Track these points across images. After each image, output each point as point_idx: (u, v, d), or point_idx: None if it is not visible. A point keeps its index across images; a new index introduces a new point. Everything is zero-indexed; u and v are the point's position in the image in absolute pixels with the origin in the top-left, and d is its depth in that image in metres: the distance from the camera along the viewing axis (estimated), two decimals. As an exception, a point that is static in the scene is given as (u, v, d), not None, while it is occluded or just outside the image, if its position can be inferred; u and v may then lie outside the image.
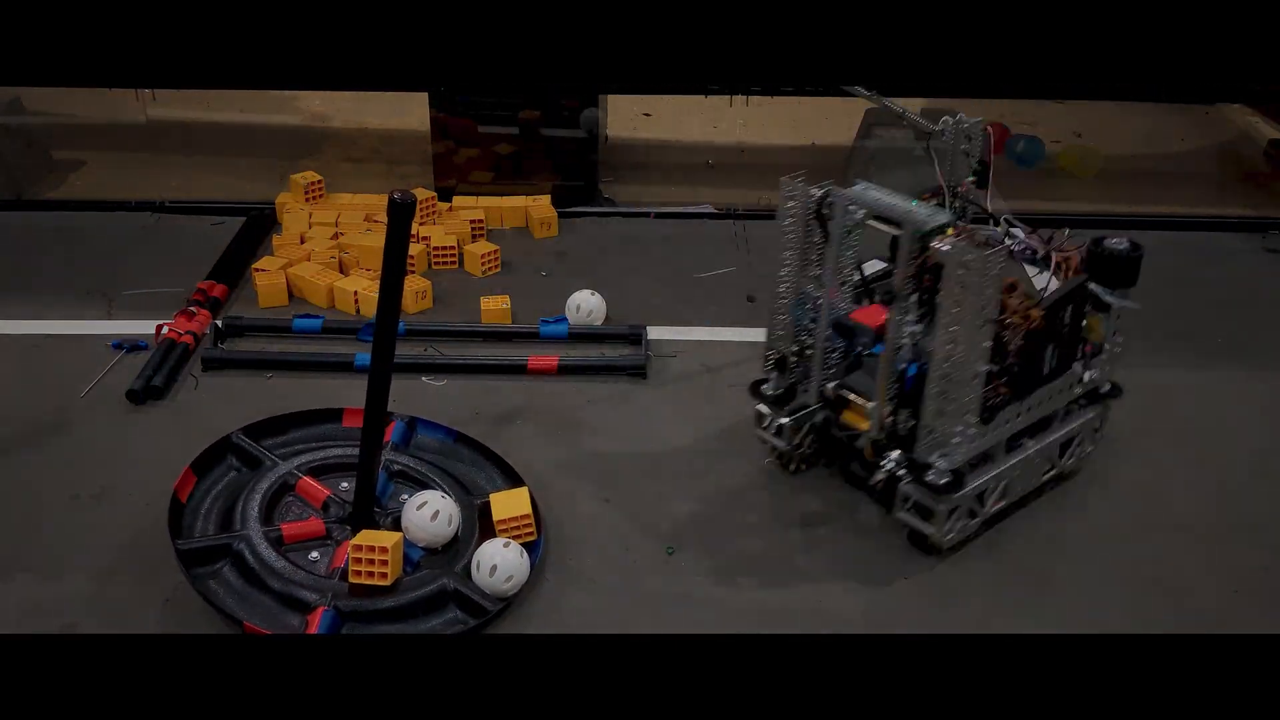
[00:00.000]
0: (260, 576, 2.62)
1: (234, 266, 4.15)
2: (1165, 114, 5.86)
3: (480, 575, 2.67)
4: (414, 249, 4.17)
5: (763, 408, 3.07)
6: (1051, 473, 3.08)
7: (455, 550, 2.79)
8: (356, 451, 2.94)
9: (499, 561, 2.67)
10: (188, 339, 3.64)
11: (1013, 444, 2.91)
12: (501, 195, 4.63)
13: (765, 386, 3.06)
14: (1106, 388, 3.12)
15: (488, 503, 2.91)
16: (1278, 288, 4.29)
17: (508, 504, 2.86)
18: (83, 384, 3.47)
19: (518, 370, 3.59)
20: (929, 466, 2.74)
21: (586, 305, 3.86)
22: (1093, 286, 2.87)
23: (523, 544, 2.75)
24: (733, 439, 3.31)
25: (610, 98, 5.10)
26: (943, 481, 2.73)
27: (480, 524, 2.87)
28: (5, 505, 2.97)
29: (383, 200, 4.44)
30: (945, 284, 2.58)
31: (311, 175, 4.55)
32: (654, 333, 3.79)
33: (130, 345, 3.65)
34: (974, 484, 2.82)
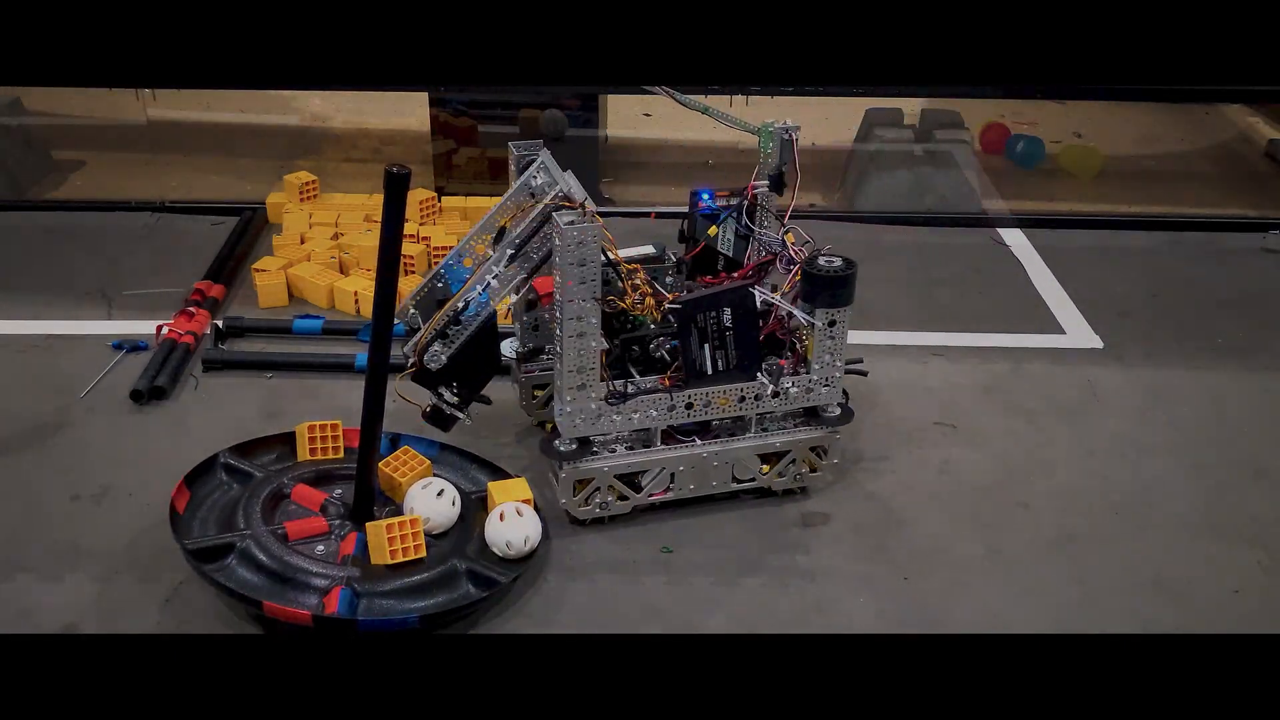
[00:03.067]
0: (269, 568, 2.62)
1: (230, 266, 4.16)
2: (1165, 114, 5.87)
3: (496, 530, 2.75)
4: (414, 249, 4.18)
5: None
6: (752, 483, 2.99)
7: (458, 535, 2.80)
8: (341, 464, 2.96)
9: (511, 526, 2.73)
10: (188, 339, 3.64)
11: (680, 437, 2.92)
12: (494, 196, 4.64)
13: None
14: (833, 411, 2.98)
15: (481, 497, 2.92)
16: (1278, 288, 4.30)
17: (508, 490, 2.87)
18: (83, 384, 3.47)
19: (518, 370, 3.59)
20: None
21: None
22: (781, 302, 2.87)
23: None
24: (733, 439, 3.31)
25: (610, 98, 5.11)
26: (563, 448, 2.82)
27: (475, 516, 2.88)
28: (5, 505, 2.97)
29: (379, 200, 4.48)
30: (557, 248, 2.66)
31: (305, 175, 4.55)
32: (654, 333, 3.79)
33: (130, 345, 3.65)
34: (610, 463, 2.85)
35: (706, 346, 2.80)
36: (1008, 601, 2.77)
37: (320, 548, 2.72)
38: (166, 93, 5.35)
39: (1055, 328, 3.97)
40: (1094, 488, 3.16)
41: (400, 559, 2.66)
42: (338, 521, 2.79)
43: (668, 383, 2.84)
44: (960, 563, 2.88)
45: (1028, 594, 2.79)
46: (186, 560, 2.62)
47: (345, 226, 4.35)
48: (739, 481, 2.99)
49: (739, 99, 4.92)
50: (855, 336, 3.80)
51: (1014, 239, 4.60)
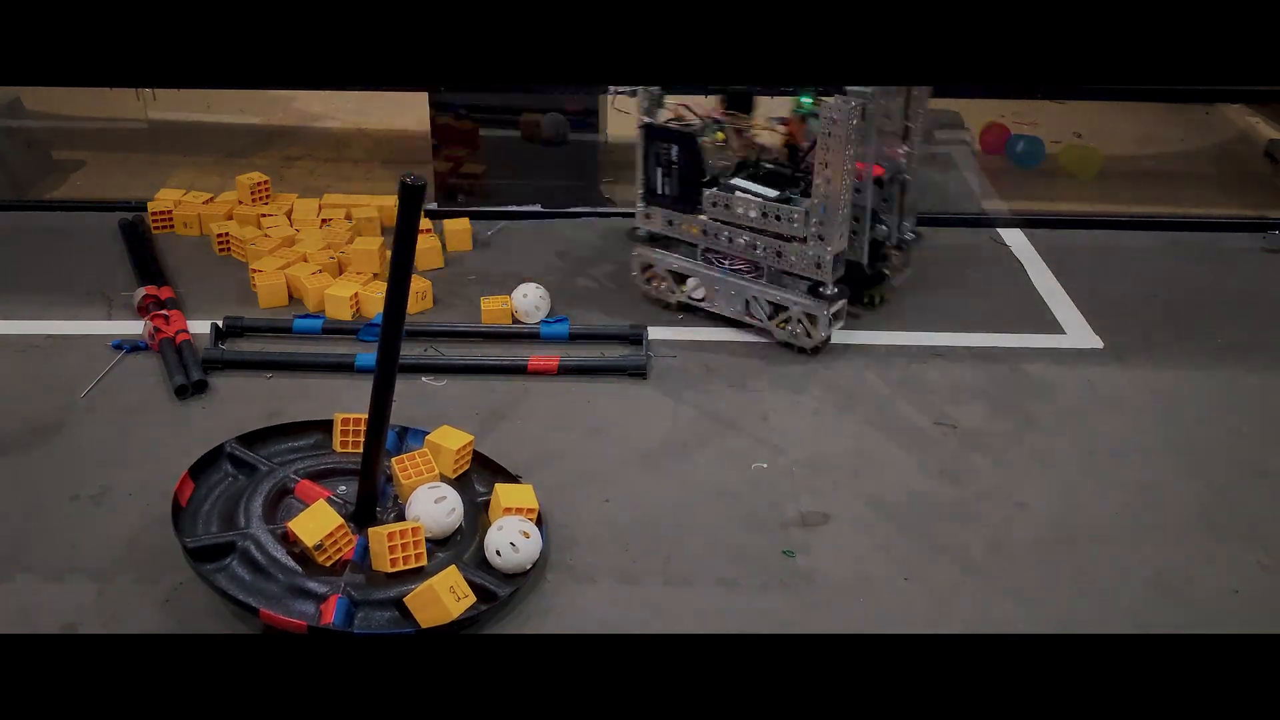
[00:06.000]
0: (269, 570, 2.62)
1: (155, 269, 4.13)
2: (1165, 114, 5.87)
3: (500, 543, 2.73)
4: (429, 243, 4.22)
5: None
6: (764, 326, 3.70)
7: (459, 542, 2.80)
8: (349, 459, 2.96)
9: (517, 540, 2.72)
10: (186, 336, 3.64)
11: (719, 261, 3.75)
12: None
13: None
14: (831, 290, 3.58)
15: (486, 500, 2.92)
16: (1278, 288, 4.29)
17: (514, 495, 2.87)
18: (83, 384, 3.47)
19: (518, 370, 3.59)
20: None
21: (531, 299, 3.89)
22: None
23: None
24: (733, 439, 3.31)
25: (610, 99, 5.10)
26: (638, 234, 3.88)
27: (479, 520, 2.88)
28: (5, 505, 2.97)
29: (336, 200, 4.49)
30: None
31: (258, 176, 4.56)
32: (654, 333, 3.79)
33: (131, 345, 3.65)
34: (664, 259, 3.85)
35: (659, 170, 3.69)
36: (1008, 601, 2.77)
37: None
38: (166, 93, 5.35)
39: (1055, 328, 3.97)
40: (1094, 488, 3.16)
41: (400, 567, 2.65)
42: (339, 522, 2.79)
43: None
44: (961, 563, 2.88)
45: (1028, 594, 2.79)
46: (186, 561, 2.62)
47: (299, 223, 4.39)
48: (753, 319, 3.72)
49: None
50: (858, 337, 3.83)
51: (1014, 239, 4.60)
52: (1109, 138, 5.54)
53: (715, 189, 3.63)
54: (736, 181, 3.66)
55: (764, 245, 3.61)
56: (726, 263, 3.71)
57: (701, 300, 3.79)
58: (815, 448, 3.29)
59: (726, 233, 3.66)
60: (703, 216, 3.68)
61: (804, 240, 3.52)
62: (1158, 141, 5.68)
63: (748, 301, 3.71)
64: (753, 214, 3.58)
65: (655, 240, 3.83)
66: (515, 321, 3.88)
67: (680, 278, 3.81)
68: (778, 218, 3.54)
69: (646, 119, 3.66)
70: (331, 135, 5.52)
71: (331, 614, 2.52)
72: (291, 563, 2.63)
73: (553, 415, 3.41)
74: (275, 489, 2.83)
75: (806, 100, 3.56)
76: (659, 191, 3.72)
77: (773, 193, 3.58)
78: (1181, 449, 3.34)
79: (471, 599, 2.61)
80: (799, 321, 3.62)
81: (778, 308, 3.66)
